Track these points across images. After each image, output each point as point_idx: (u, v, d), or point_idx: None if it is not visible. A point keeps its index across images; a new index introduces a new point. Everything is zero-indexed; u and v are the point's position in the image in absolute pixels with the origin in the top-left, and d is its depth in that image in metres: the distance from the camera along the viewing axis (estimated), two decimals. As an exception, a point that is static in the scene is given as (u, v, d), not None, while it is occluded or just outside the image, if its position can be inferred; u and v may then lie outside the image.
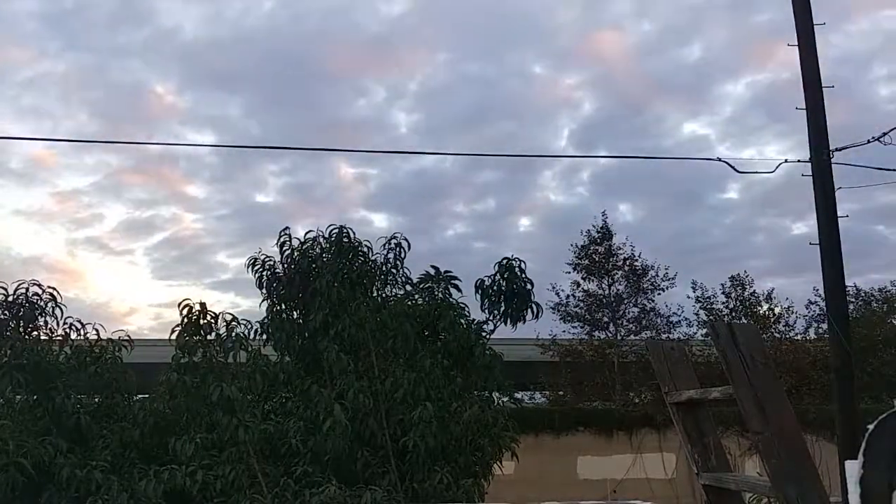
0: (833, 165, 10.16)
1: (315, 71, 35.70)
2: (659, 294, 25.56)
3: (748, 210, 37.41)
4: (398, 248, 10.32)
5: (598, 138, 37.43)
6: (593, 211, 37.41)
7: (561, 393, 26.47)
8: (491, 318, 10.63)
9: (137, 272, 39.52)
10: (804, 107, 10.26)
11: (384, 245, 10.30)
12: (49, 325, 9.05)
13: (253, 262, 10.10)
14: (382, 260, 10.28)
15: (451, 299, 10.57)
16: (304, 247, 9.99)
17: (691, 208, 38.11)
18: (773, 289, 26.77)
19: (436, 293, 10.57)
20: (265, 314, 10.11)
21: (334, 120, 35.42)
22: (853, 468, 3.27)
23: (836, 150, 10.22)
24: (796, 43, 10.40)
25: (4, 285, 8.90)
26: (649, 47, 35.04)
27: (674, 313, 25.87)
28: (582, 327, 25.73)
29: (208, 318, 9.13)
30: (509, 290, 10.52)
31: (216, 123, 36.05)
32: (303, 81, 35.90)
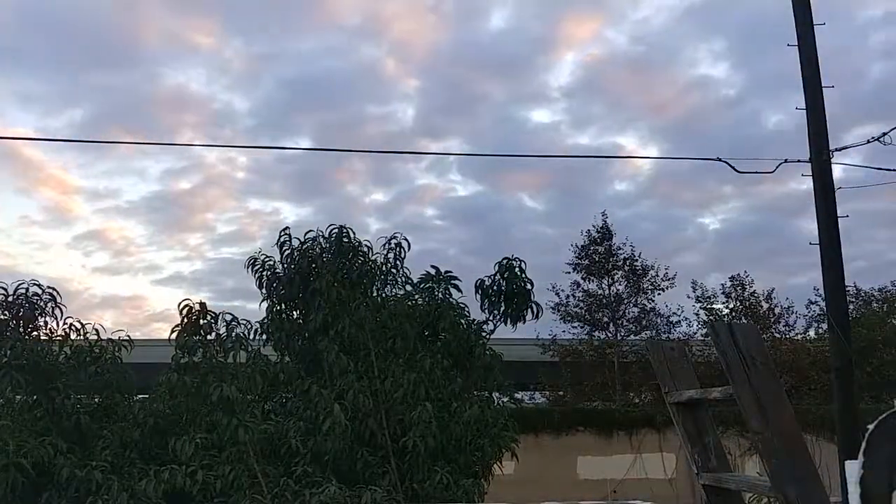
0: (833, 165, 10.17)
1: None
2: (659, 294, 25.60)
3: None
4: (398, 248, 10.32)
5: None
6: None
7: (561, 393, 26.48)
8: (491, 318, 10.63)
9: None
10: (804, 107, 10.27)
11: (384, 245, 10.31)
12: (49, 325, 9.05)
13: (253, 262, 10.10)
14: (382, 260, 10.28)
15: (451, 299, 10.57)
16: (303, 247, 9.98)
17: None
18: (773, 289, 26.83)
19: (436, 293, 10.57)
20: (265, 314, 10.11)
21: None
22: (853, 468, 3.27)
23: (836, 150, 10.22)
24: (796, 43, 10.40)
25: (4, 285, 8.91)
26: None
27: (674, 313, 25.92)
28: (582, 327, 25.74)
29: (208, 318, 9.14)
30: (509, 290, 10.52)
31: None
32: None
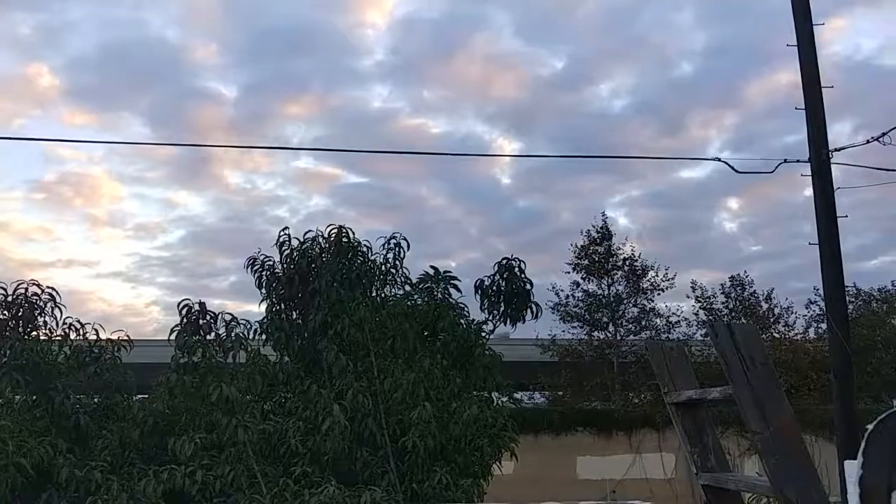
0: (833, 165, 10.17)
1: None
2: (659, 294, 25.61)
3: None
4: (398, 248, 10.31)
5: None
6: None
7: (560, 393, 26.48)
8: (490, 318, 10.63)
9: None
10: (803, 107, 10.27)
11: (383, 245, 10.30)
12: (48, 325, 9.05)
13: (252, 262, 10.09)
14: (382, 260, 10.28)
15: (450, 299, 10.56)
16: (303, 247, 9.98)
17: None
18: (772, 289, 26.84)
19: (435, 293, 10.57)
20: (264, 314, 10.10)
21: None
22: (852, 468, 3.27)
23: (836, 150, 10.22)
24: (796, 43, 10.40)
25: (4, 285, 8.91)
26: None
27: (673, 313, 25.92)
28: (581, 327, 25.74)
29: (207, 318, 9.14)
30: (509, 290, 10.51)
31: None
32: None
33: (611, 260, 25.36)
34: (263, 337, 10.05)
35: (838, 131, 26.03)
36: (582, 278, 25.60)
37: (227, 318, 9.23)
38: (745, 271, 27.01)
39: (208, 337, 9.15)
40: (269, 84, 37.66)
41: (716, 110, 38.47)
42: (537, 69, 38.80)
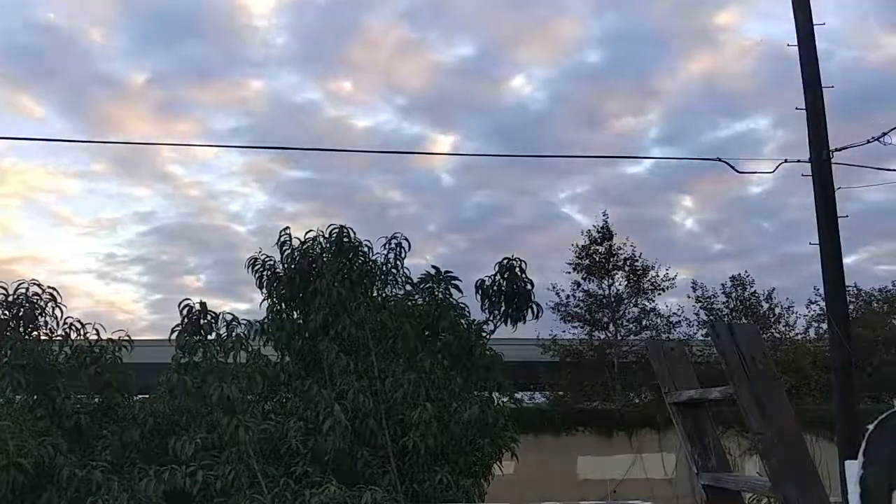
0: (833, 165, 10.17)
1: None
2: (659, 294, 25.60)
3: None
4: (398, 248, 10.32)
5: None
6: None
7: (561, 393, 26.48)
8: (491, 318, 10.64)
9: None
10: (804, 107, 10.27)
11: (384, 245, 10.31)
12: (49, 326, 9.05)
13: (253, 262, 10.10)
14: (383, 260, 10.28)
15: (451, 299, 10.57)
16: (304, 246, 9.98)
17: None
18: (773, 289, 26.84)
19: (436, 293, 10.57)
20: (265, 314, 10.11)
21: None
22: (853, 468, 3.27)
23: (836, 150, 10.22)
24: (796, 43, 10.41)
25: (4, 285, 8.91)
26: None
27: (674, 313, 25.91)
28: (582, 327, 25.73)
29: (208, 317, 9.14)
30: (509, 290, 10.52)
31: None
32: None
33: (611, 260, 25.37)
34: (264, 337, 10.06)
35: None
36: (582, 278, 25.60)
37: (228, 317, 9.24)
38: (746, 271, 27.01)
39: (209, 337, 9.16)
40: (174, 70, 36.30)
41: (635, 101, 37.82)
42: (444, 57, 37.64)
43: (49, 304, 8.98)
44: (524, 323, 10.69)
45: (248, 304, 25.79)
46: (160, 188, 39.82)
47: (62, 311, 9.06)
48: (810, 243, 10.32)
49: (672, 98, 35.91)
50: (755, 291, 26.60)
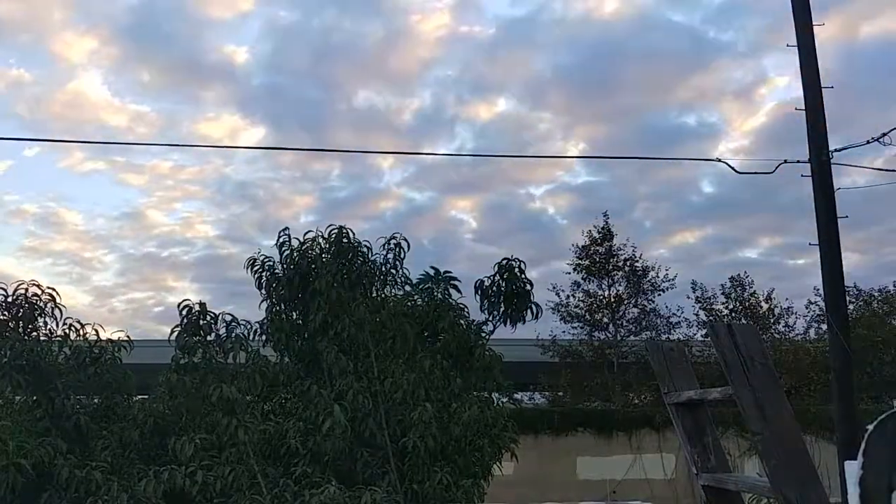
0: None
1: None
2: (659, 295, 25.61)
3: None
4: (398, 249, 10.31)
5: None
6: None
7: (561, 393, 26.51)
8: (490, 318, 10.63)
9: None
10: (803, 107, 10.27)
11: (383, 245, 10.30)
12: (48, 326, 9.05)
13: (252, 263, 10.10)
14: (382, 260, 10.28)
15: (450, 300, 10.57)
16: (303, 247, 9.98)
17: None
18: (773, 289, 26.84)
19: (435, 294, 10.57)
20: (264, 315, 10.10)
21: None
22: (853, 469, 3.27)
23: (836, 150, 10.23)
24: (796, 43, 10.41)
25: (4, 286, 8.90)
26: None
27: (673, 314, 25.93)
28: (582, 328, 25.75)
29: (208, 318, 9.14)
30: (509, 290, 10.51)
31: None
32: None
33: (611, 261, 25.38)
34: (263, 337, 10.05)
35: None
36: (582, 279, 25.62)
37: (228, 318, 9.24)
38: (746, 272, 27.03)
39: (208, 338, 9.15)
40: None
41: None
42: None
43: (48, 305, 8.98)
44: (523, 323, 10.69)
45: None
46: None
47: (62, 312, 9.06)
48: (810, 244, 10.33)
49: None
50: (755, 292, 26.63)
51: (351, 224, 9.94)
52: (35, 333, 8.97)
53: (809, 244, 10.34)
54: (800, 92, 10.35)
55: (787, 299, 26.75)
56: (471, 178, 43.71)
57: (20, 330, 8.86)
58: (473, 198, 46.63)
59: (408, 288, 10.64)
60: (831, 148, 10.15)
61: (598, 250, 25.41)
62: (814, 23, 10.36)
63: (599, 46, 42.16)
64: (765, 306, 26.49)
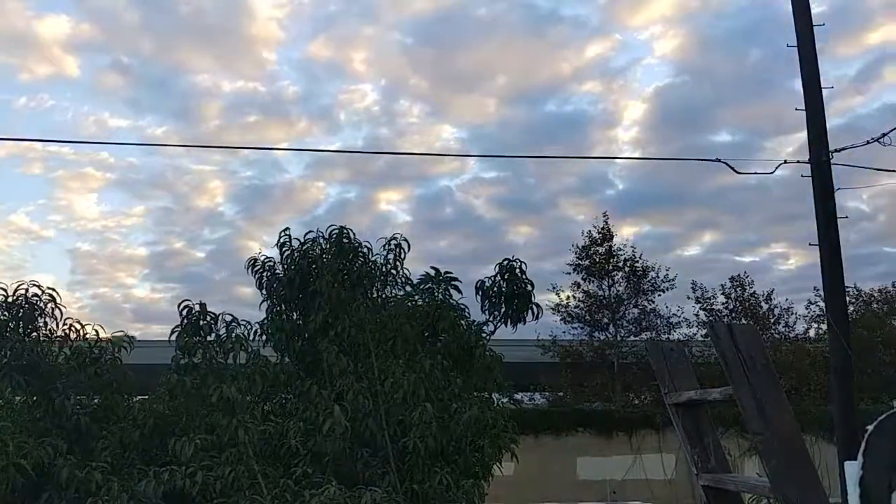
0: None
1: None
2: (659, 295, 25.61)
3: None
4: (398, 249, 10.31)
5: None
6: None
7: (561, 394, 26.51)
8: (491, 319, 10.64)
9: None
10: (803, 107, 10.27)
11: (384, 246, 10.30)
12: (48, 326, 9.04)
13: (253, 263, 10.10)
14: (382, 261, 10.28)
15: (451, 300, 10.57)
16: (304, 247, 9.98)
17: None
18: (773, 289, 26.84)
19: (436, 294, 10.57)
20: (265, 315, 10.11)
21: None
22: (853, 469, 3.27)
23: (836, 150, 10.23)
24: (796, 44, 10.41)
25: (4, 286, 8.91)
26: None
27: (673, 314, 25.93)
28: (582, 328, 25.75)
29: (208, 318, 9.14)
30: (510, 291, 10.52)
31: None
32: None
33: (611, 261, 25.38)
34: (264, 338, 10.05)
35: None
36: (583, 279, 25.62)
37: (228, 318, 9.24)
38: (746, 272, 27.04)
39: (209, 338, 9.15)
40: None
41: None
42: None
43: (48, 305, 8.98)
44: (524, 324, 10.70)
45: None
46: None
47: (62, 312, 9.07)
48: (810, 244, 10.33)
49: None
50: (754, 292, 26.64)
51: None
52: (35, 334, 8.97)
53: (809, 244, 10.35)
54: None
55: (786, 299, 26.74)
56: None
57: (20, 330, 8.86)
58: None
59: (408, 288, 10.64)
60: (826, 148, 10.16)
61: (597, 250, 25.41)
62: (814, 24, 10.37)
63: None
64: (765, 306, 26.50)
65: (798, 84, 10.40)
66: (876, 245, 42.83)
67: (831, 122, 9.49)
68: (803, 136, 10.30)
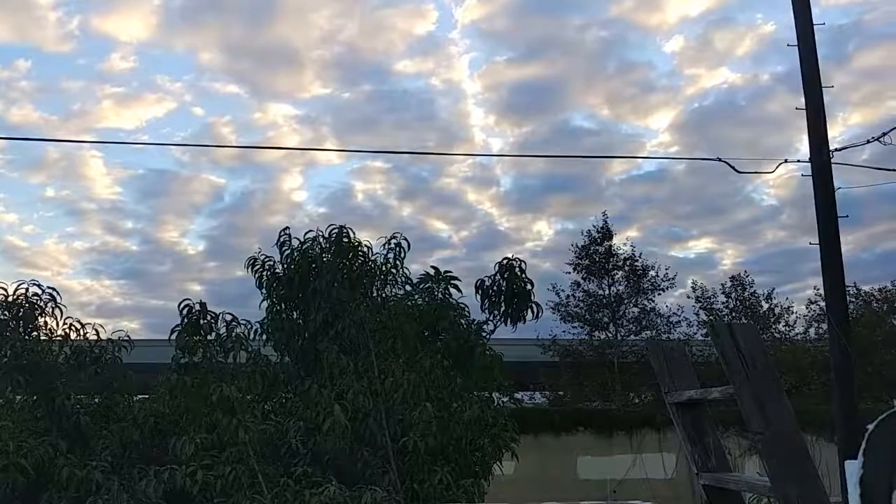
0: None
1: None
2: (659, 294, 25.60)
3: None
4: (398, 248, 10.31)
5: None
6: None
7: (561, 393, 26.49)
8: (491, 318, 10.63)
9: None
10: (804, 107, 10.27)
11: (384, 245, 10.30)
12: (49, 326, 9.05)
13: (253, 262, 10.10)
14: (382, 260, 10.28)
15: (451, 299, 10.56)
16: (303, 247, 9.98)
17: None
18: (773, 289, 26.85)
19: (436, 293, 10.57)
20: (265, 314, 10.10)
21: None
22: (853, 468, 3.27)
23: (836, 150, 10.22)
24: (796, 43, 10.40)
25: (4, 285, 8.91)
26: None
27: (674, 313, 25.92)
28: (582, 327, 25.73)
29: (208, 318, 9.14)
30: (509, 290, 10.51)
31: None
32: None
33: (611, 260, 25.37)
34: (264, 337, 10.05)
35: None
36: (582, 278, 25.60)
37: (228, 318, 9.24)
38: (746, 271, 27.05)
39: (209, 337, 9.16)
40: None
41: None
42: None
43: (49, 305, 8.98)
44: (524, 323, 10.68)
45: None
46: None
47: (62, 312, 9.07)
48: (810, 243, 10.32)
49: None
50: (755, 291, 26.64)
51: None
52: (35, 333, 8.98)
53: (810, 244, 10.34)
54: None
55: (786, 298, 26.74)
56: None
57: (20, 330, 8.87)
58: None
59: (408, 287, 10.64)
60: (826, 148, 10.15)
61: (597, 250, 25.39)
62: (814, 23, 10.36)
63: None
64: (765, 305, 26.51)
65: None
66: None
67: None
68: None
